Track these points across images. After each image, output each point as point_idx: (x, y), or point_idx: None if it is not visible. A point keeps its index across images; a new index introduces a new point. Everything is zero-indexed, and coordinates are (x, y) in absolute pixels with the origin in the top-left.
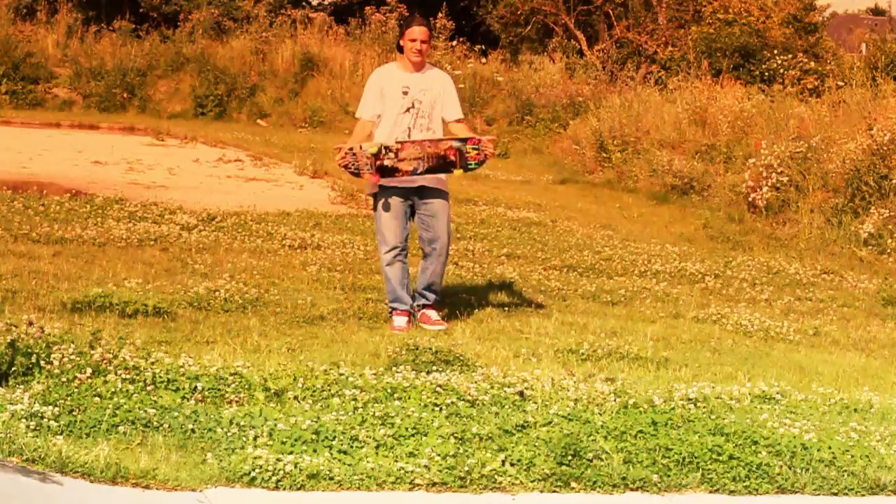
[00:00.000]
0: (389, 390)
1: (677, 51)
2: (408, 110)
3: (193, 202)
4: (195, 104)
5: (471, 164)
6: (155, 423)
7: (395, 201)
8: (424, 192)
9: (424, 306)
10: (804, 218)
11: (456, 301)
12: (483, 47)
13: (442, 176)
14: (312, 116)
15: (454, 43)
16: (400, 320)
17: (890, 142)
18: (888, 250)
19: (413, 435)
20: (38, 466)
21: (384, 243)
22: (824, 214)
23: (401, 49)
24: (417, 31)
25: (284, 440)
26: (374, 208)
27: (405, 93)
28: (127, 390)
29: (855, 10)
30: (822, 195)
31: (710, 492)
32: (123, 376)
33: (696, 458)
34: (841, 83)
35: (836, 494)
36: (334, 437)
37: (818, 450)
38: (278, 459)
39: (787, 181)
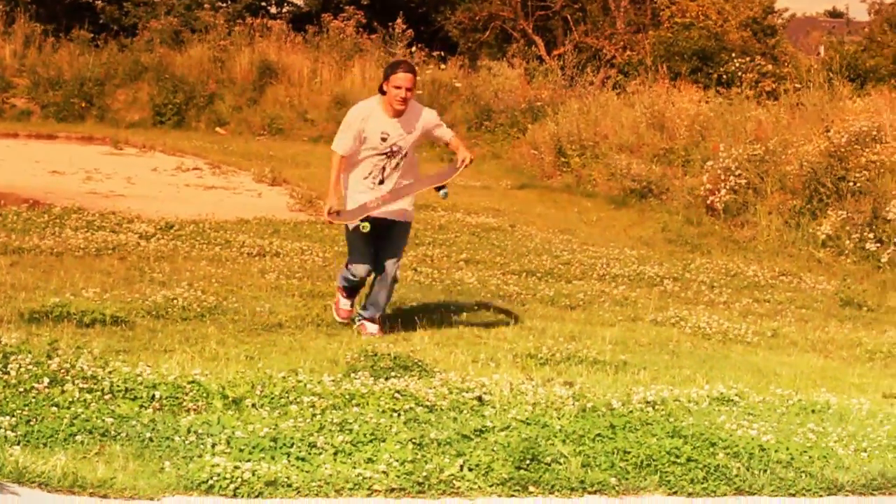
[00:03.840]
0: (348, 397)
1: (635, 55)
2: (383, 154)
3: (152, 211)
4: (153, 113)
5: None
6: (112, 433)
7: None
8: (392, 222)
9: (364, 318)
10: (762, 220)
11: (414, 307)
12: (442, 53)
13: (410, 209)
14: (271, 124)
15: (413, 49)
16: (371, 327)
17: (847, 143)
18: (846, 251)
19: (371, 441)
20: None
21: (353, 264)
22: (782, 216)
23: (383, 91)
24: (402, 79)
25: (242, 448)
26: (346, 228)
27: (384, 139)
28: (84, 400)
29: (813, 13)
30: (779, 197)
31: (669, 494)
32: (81, 386)
33: (654, 460)
34: (798, 86)
35: (794, 495)
36: (292, 444)
37: (776, 451)
38: (236, 467)
39: (744, 184)
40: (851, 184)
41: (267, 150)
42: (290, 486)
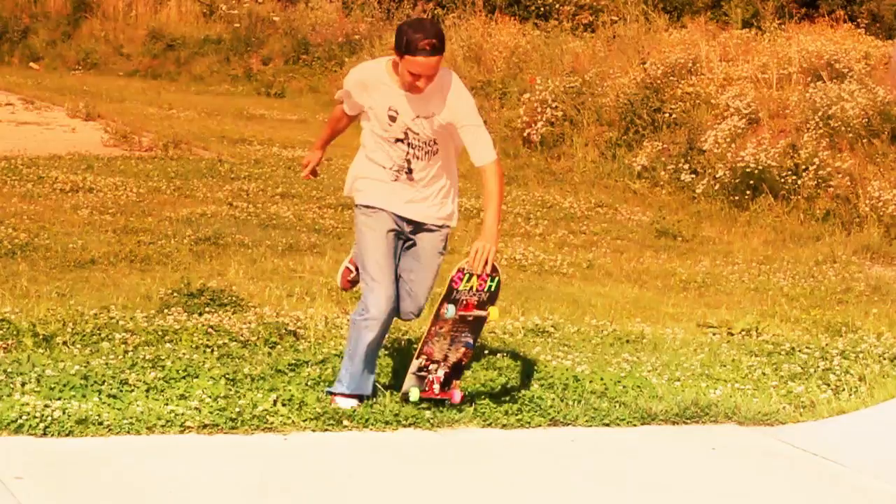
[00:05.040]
0: (160, 333)
1: None
2: (399, 141)
3: None
4: None
5: (489, 288)
6: None
7: (384, 221)
8: (418, 226)
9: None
10: (578, 152)
11: (229, 241)
12: None
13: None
14: (86, 59)
15: None
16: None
17: (663, 76)
18: (661, 183)
19: (184, 377)
20: None
21: (368, 289)
22: (598, 148)
23: (401, 53)
24: (422, 66)
25: (53, 386)
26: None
27: (392, 118)
28: None
29: None
30: (596, 129)
31: (483, 426)
32: None
33: (468, 392)
34: (615, 18)
35: (608, 425)
36: (104, 382)
37: (590, 381)
38: (46, 406)
39: (561, 116)
40: (667, 115)
41: (81, 85)
42: (101, 423)
